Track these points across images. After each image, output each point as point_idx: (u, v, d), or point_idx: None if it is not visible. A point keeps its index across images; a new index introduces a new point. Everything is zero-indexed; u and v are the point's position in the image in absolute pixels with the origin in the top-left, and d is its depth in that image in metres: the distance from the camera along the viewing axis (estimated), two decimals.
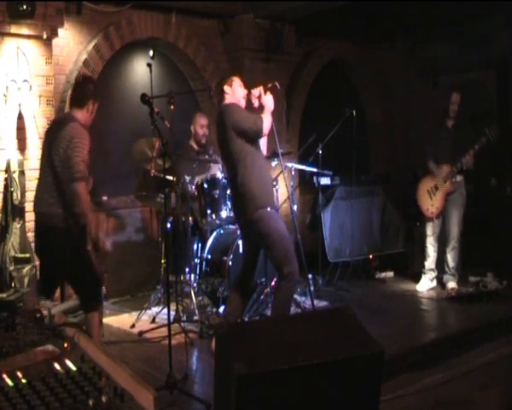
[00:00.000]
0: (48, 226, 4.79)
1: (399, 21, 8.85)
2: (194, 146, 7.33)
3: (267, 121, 5.29)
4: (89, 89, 5.00)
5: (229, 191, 6.13)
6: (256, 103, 5.47)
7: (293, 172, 7.14)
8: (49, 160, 4.78)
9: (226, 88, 5.43)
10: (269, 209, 5.30)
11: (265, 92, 5.45)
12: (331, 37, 9.67)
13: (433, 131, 7.74)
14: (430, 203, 7.35)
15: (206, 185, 6.36)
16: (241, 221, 5.57)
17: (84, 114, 4.90)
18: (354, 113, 7.37)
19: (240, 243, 6.41)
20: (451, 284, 7.34)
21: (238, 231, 6.43)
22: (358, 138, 7.70)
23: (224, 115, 5.31)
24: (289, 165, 6.97)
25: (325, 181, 8.09)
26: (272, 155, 6.18)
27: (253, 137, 5.30)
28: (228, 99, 5.43)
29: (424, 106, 9.79)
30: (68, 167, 4.61)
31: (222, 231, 6.79)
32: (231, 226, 6.75)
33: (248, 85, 5.55)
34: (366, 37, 9.67)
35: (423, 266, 7.59)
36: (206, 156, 6.92)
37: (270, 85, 5.50)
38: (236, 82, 5.48)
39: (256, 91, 5.46)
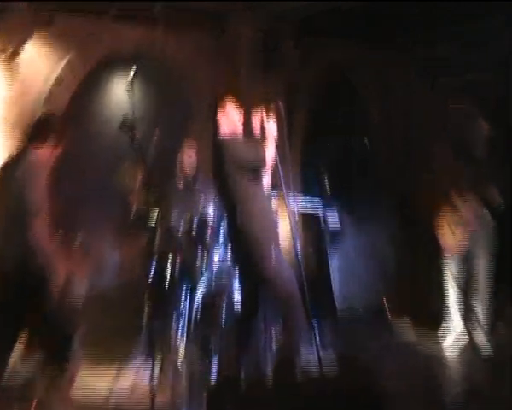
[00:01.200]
0: (3, 272, 4.85)
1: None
2: (182, 176, 7.32)
3: (270, 151, 5.38)
4: (48, 124, 5.19)
5: (223, 229, 6.31)
6: (257, 128, 5.52)
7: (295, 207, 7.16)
8: (5, 197, 4.87)
9: (220, 114, 5.48)
10: (272, 250, 5.37)
11: (267, 115, 5.51)
12: (332, 39, 9.75)
13: (455, 159, 7.75)
14: (451, 238, 7.37)
15: (196, 221, 6.45)
16: (240, 263, 5.69)
17: (44, 150, 4.96)
18: (367, 141, 7.41)
19: (236, 284, 6.46)
20: (483, 341, 7.18)
21: (233, 272, 6.49)
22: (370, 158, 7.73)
23: (221, 149, 5.38)
24: (291, 201, 6.99)
25: (330, 216, 8.00)
26: (273, 186, 6.20)
27: (254, 171, 5.39)
28: (223, 127, 5.49)
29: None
30: (23, 203, 4.68)
31: (214, 272, 6.77)
32: (225, 266, 6.74)
33: (245, 98, 5.59)
34: (367, 37, 9.79)
35: (445, 314, 7.54)
36: (196, 188, 6.98)
37: (272, 106, 5.54)
38: (230, 104, 5.55)
39: (257, 116, 5.50)
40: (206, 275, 6.82)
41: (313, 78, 9.69)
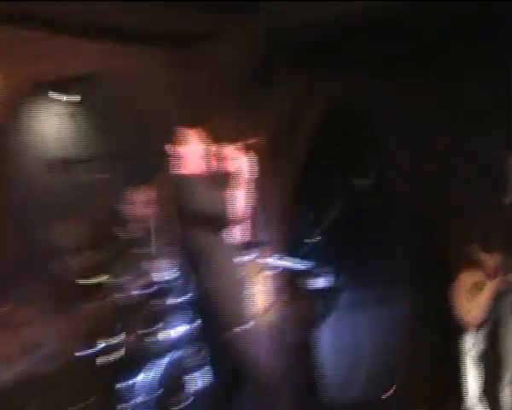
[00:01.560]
0: None
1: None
2: (136, 230, 7.10)
3: (241, 199, 5.23)
4: None
5: (186, 296, 6.19)
6: (230, 170, 5.37)
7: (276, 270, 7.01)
8: None
9: (178, 149, 5.35)
10: (241, 329, 5.22)
11: (242, 152, 5.28)
12: (341, 68, 9.66)
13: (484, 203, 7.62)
14: (472, 305, 7.26)
15: (152, 290, 6.34)
16: (206, 340, 5.75)
17: None
18: (370, 179, 7.31)
19: (203, 366, 6.37)
20: None
21: (199, 351, 6.40)
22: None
23: (177, 196, 5.29)
24: (272, 262, 6.83)
25: (322, 282, 7.90)
26: (248, 245, 6.03)
27: (219, 225, 5.21)
28: (183, 166, 5.35)
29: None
30: None
31: (178, 353, 6.67)
32: (189, 343, 6.61)
33: (217, 131, 5.46)
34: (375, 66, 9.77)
35: (465, 403, 7.41)
36: (154, 245, 6.77)
37: (251, 142, 5.33)
38: (192, 137, 5.46)
39: (227, 151, 5.30)
40: (165, 354, 6.66)
41: (309, 111, 9.56)
